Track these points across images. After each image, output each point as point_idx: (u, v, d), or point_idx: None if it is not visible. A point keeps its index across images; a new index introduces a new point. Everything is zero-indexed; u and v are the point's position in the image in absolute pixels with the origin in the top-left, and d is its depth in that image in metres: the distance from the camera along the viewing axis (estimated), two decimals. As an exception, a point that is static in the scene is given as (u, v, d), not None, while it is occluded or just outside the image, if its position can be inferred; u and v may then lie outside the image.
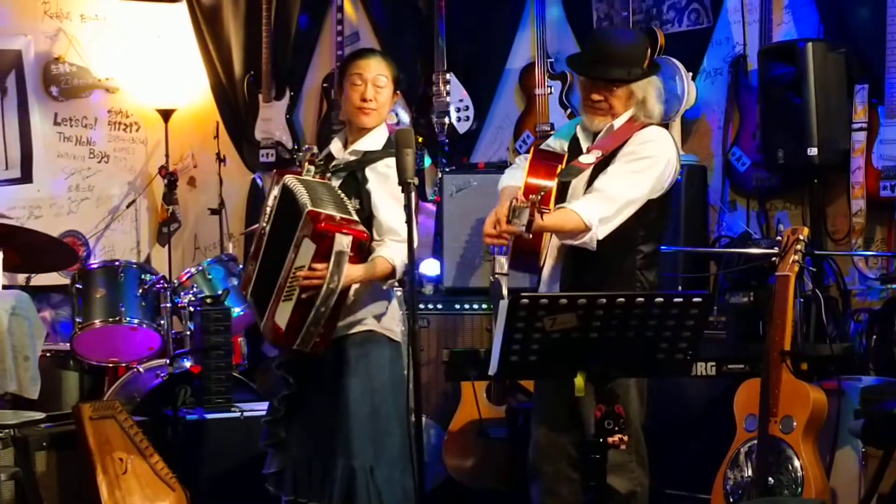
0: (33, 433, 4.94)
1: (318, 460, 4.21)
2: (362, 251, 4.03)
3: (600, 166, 4.11)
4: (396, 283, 4.34)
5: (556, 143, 4.41)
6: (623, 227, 4.08)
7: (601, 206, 4.00)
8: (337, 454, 4.16)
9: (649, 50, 4.29)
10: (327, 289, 3.94)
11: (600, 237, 4.01)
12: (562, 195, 4.14)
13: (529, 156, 4.26)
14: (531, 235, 3.71)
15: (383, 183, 4.14)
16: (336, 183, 4.23)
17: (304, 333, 4.00)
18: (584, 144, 4.26)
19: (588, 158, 4.11)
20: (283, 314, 4.04)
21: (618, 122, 4.21)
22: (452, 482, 5.65)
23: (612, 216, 4.03)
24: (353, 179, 4.23)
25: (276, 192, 4.24)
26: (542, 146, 4.42)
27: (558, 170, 4.13)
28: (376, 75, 4.26)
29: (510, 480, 5.38)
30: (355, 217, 4.06)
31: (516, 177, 4.33)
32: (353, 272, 4.00)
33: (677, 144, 4.25)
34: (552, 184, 4.07)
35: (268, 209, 4.25)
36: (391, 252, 4.10)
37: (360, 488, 4.15)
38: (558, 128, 5.67)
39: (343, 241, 3.93)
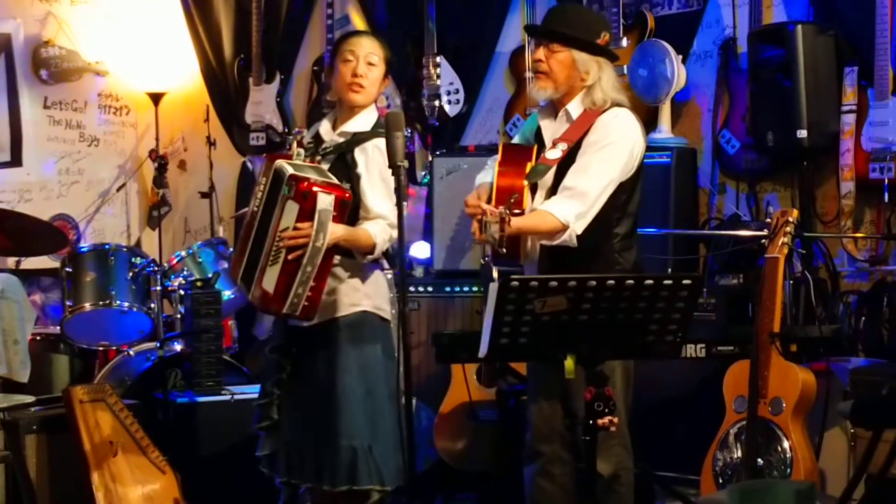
0: (23, 417, 4.92)
1: (310, 443, 4.22)
2: (345, 211, 4.05)
3: (567, 158, 4.09)
4: (385, 265, 4.35)
5: (522, 139, 4.39)
6: (597, 213, 4.06)
7: (575, 203, 3.98)
8: (336, 435, 4.17)
9: (607, 35, 4.20)
10: (313, 247, 3.97)
11: (578, 232, 3.99)
12: (534, 194, 4.10)
13: (499, 156, 4.20)
14: (504, 249, 3.68)
15: (372, 165, 4.15)
16: (326, 166, 4.23)
17: (292, 296, 4.01)
18: (547, 134, 4.23)
19: (554, 154, 4.09)
20: (270, 278, 4.05)
21: (573, 110, 4.15)
22: (443, 464, 5.66)
23: (587, 211, 4.01)
24: (343, 163, 4.23)
25: (265, 178, 4.22)
26: (512, 142, 4.37)
27: (528, 167, 4.09)
28: (368, 53, 4.26)
29: (500, 462, 5.38)
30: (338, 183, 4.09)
31: (489, 177, 4.32)
32: (336, 230, 4.02)
33: (639, 121, 4.21)
34: (523, 183, 4.05)
35: (259, 193, 4.24)
36: (375, 229, 4.13)
37: (361, 467, 4.17)
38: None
39: (325, 200, 3.97)
